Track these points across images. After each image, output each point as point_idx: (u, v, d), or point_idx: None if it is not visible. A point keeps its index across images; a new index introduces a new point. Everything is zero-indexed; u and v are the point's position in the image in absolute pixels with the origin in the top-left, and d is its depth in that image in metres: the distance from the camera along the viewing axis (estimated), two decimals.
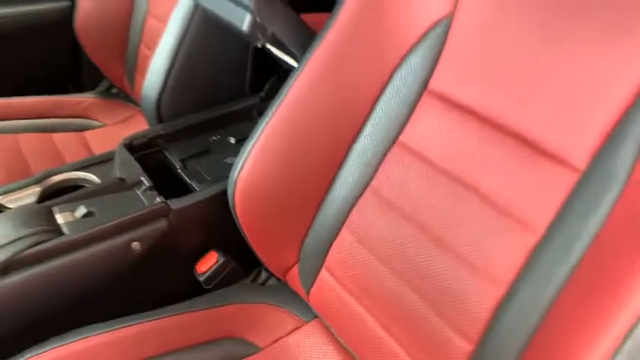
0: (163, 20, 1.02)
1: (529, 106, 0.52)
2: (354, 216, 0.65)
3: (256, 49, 0.91)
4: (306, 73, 0.65)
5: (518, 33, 0.54)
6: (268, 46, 0.79)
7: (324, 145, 0.66)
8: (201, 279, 0.82)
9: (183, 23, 0.95)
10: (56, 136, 1.15)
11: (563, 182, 0.48)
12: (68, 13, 1.29)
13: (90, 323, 0.70)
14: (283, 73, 0.97)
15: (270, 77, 1.03)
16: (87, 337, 0.69)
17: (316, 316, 0.75)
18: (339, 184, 0.66)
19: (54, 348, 0.67)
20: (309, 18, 0.84)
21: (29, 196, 0.84)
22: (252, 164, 0.67)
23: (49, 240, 0.71)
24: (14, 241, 0.69)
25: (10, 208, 0.81)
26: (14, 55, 1.35)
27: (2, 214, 0.76)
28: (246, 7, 0.72)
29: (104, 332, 0.70)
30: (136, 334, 0.72)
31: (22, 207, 0.78)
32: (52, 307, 0.74)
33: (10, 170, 1.00)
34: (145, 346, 0.71)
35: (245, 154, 0.67)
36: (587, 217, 0.45)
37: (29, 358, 0.65)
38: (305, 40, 0.69)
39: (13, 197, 0.84)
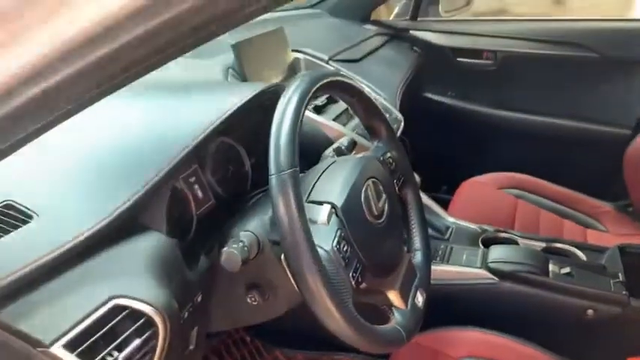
0: None
1: None
2: None
3: None
4: None
5: None
6: None
7: None
8: None
9: None
10: (566, 222, 1.40)
11: None
12: (623, 141, 1.47)
13: None
14: None
15: None
16: (508, 339, 0.93)
17: None
18: None
19: (485, 334, 0.94)
20: None
21: (537, 246, 1.16)
22: None
23: (537, 275, 1.01)
24: (518, 263, 1.03)
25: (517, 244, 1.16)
26: (575, 156, 1.75)
27: (517, 246, 1.13)
28: None
29: (518, 343, 0.92)
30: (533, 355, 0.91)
31: (534, 249, 1.11)
32: (506, 316, 1.00)
33: (525, 227, 1.35)
34: None
35: None
36: None
37: (459, 330, 0.95)
38: None
39: (530, 242, 1.18)
